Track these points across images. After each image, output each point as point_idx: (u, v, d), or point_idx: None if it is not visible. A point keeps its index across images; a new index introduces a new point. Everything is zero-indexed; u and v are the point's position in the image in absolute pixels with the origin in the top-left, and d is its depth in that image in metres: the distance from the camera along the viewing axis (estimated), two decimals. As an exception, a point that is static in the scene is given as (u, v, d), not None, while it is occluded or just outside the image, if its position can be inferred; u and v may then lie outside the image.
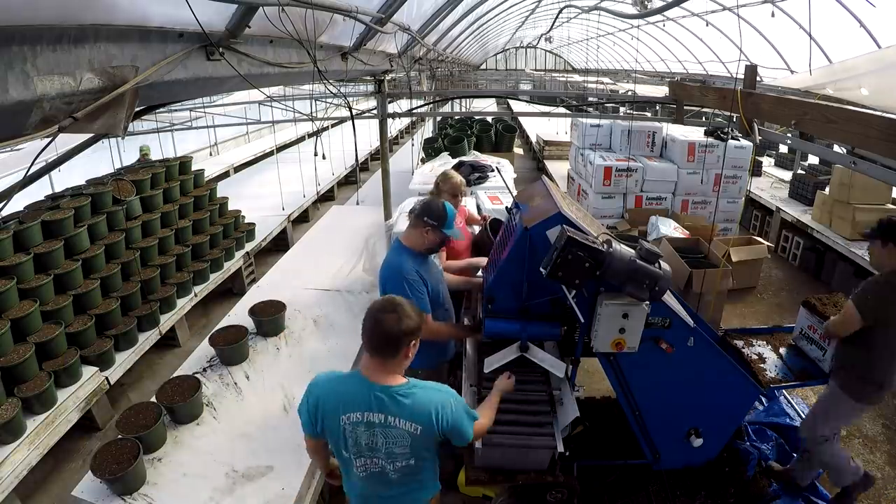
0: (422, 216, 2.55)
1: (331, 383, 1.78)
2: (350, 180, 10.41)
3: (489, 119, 10.26)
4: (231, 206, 6.27)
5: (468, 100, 12.21)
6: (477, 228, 4.01)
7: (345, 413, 1.70)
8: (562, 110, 8.53)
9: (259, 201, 7.21)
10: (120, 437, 2.59)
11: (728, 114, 3.77)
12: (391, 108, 5.93)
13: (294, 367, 3.37)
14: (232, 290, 5.76)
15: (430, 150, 8.14)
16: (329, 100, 6.13)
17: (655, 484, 3.02)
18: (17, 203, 4.41)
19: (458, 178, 3.38)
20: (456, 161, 6.25)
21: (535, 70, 29.10)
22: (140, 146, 6.10)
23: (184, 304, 4.78)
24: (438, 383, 1.83)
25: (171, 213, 5.18)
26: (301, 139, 12.51)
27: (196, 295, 4.96)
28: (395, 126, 14.82)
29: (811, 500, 2.90)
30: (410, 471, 1.79)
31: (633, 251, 2.14)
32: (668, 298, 2.38)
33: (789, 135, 3.61)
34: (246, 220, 6.29)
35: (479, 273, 3.23)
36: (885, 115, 2.38)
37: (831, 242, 5.66)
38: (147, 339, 4.24)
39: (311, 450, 1.96)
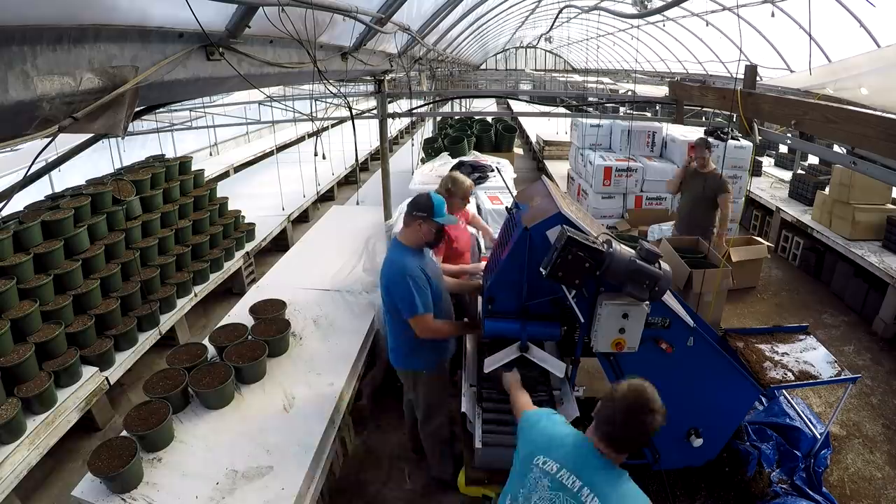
0: (411, 212, 2.59)
1: (557, 426, 1.69)
2: (350, 180, 10.41)
3: (489, 119, 10.25)
4: (231, 206, 6.27)
5: (468, 100, 12.20)
6: (478, 233, 4.01)
7: (544, 454, 1.58)
8: (562, 110, 8.53)
9: (259, 201, 7.20)
10: (121, 434, 2.60)
11: (728, 114, 3.77)
12: (391, 108, 5.93)
13: (294, 367, 3.37)
14: (232, 290, 5.76)
15: (430, 150, 8.14)
16: (329, 100, 6.12)
17: (655, 484, 3.02)
18: (17, 203, 4.41)
19: (469, 181, 3.41)
20: (456, 161, 6.25)
21: (535, 70, 29.10)
22: None
23: (184, 304, 4.78)
24: (642, 493, 1.54)
25: (171, 213, 5.18)
26: (301, 139, 12.50)
27: (196, 295, 4.96)
28: (395, 126, 14.81)
29: (812, 499, 2.90)
30: None
31: (633, 251, 2.14)
32: (668, 298, 2.38)
33: (789, 135, 3.61)
34: (246, 220, 6.29)
35: (478, 275, 3.23)
36: (885, 114, 2.38)
37: (831, 242, 5.66)
38: (147, 339, 4.24)
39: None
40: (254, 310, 3.79)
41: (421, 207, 2.57)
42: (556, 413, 1.80)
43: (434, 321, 2.60)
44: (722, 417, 2.64)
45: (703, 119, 5.98)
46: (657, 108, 10.65)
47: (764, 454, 3.05)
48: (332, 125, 8.82)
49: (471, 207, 4.36)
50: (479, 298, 2.88)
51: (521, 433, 1.71)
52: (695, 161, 4.84)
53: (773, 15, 6.74)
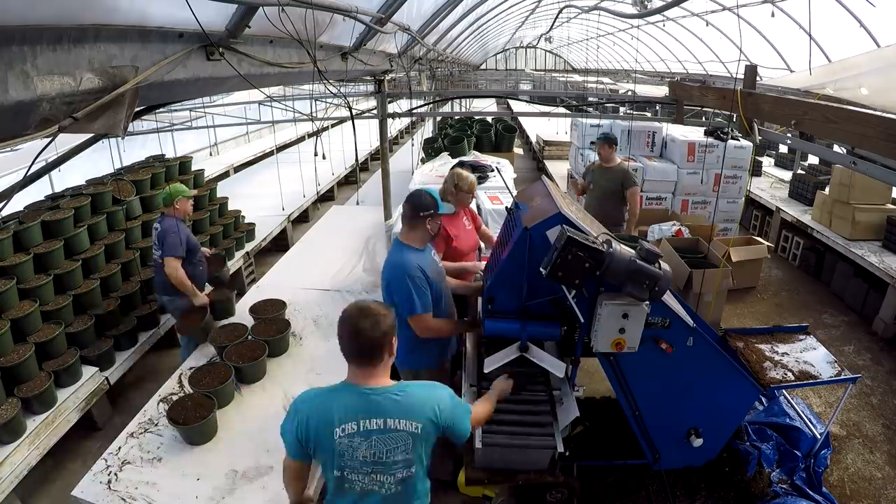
0: (418, 212, 2.59)
1: (320, 398, 1.70)
2: (350, 180, 10.41)
3: (489, 119, 10.24)
4: (231, 206, 6.27)
5: (468, 100, 12.19)
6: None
7: (340, 425, 1.62)
8: (562, 110, 8.53)
9: (259, 201, 7.20)
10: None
11: (728, 114, 3.77)
12: (391, 108, 5.93)
13: (294, 367, 3.37)
14: (232, 290, 5.76)
15: (430, 150, 8.13)
16: (329, 100, 6.12)
17: (655, 484, 3.02)
18: (17, 203, 4.41)
19: (473, 176, 3.46)
20: (456, 161, 6.25)
21: (535, 70, 29.10)
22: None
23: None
24: (429, 381, 1.83)
25: (171, 213, 5.17)
26: (301, 139, 12.50)
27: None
28: (395, 126, 14.81)
29: (812, 499, 2.90)
30: (408, 482, 1.71)
31: (633, 251, 2.14)
32: (668, 298, 2.38)
33: (789, 135, 3.61)
34: (246, 220, 6.29)
35: (479, 276, 3.23)
36: (885, 114, 2.38)
37: (831, 242, 5.66)
38: (147, 339, 4.24)
39: (290, 474, 1.82)
40: (254, 310, 3.79)
41: (426, 206, 2.59)
42: (313, 389, 1.80)
43: (433, 320, 2.60)
44: (722, 417, 2.64)
45: (703, 119, 5.98)
46: (657, 108, 10.64)
47: (764, 454, 3.05)
48: (332, 125, 8.81)
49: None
50: (479, 298, 2.88)
51: (307, 423, 1.67)
52: (599, 157, 5.11)
53: (773, 15, 6.74)
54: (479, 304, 2.83)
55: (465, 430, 1.79)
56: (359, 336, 1.66)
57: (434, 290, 2.60)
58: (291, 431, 1.69)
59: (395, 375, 3.23)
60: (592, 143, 7.29)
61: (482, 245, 3.95)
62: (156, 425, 2.85)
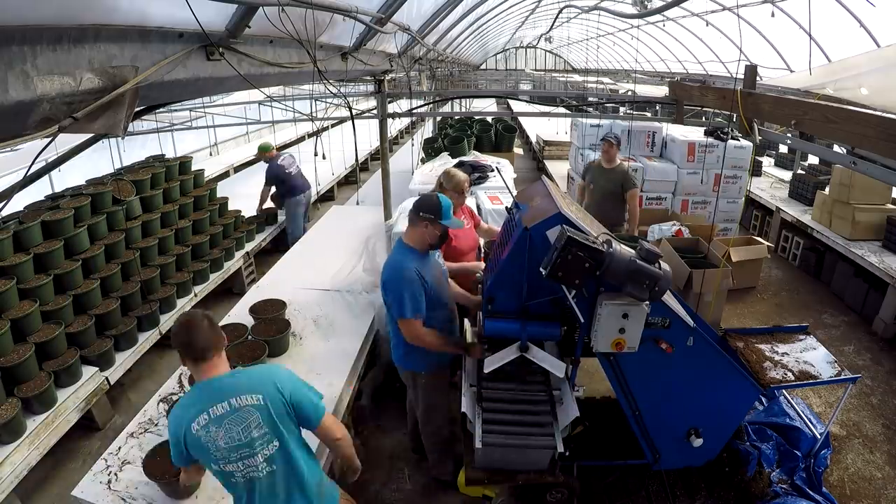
0: (418, 212, 2.56)
1: (180, 408, 1.82)
2: (350, 180, 10.40)
3: (489, 119, 10.24)
4: (231, 206, 6.27)
5: (468, 100, 12.19)
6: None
7: (194, 420, 1.73)
8: (562, 110, 8.52)
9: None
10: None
11: (728, 114, 3.77)
12: (391, 108, 5.93)
13: (294, 367, 3.35)
14: (232, 290, 5.76)
15: (430, 150, 8.13)
16: (329, 100, 6.12)
17: (655, 484, 3.02)
18: (17, 203, 4.41)
19: (462, 175, 3.35)
20: (456, 161, 6.25)
21: (535, 70, 29.10)
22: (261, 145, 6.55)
23: (184, 304, 4.78)
24: (265, 364, 1.92)
25: (171, 213, 5.18)
26: (301, 139, 12.50)
27: (196, 295, 4.96)
28: (395, 126, 14.81)
29: (812, 499, 2.90)
30: (283, 458, 1.81)
31: (633, 251, 2.14)
32: (668, 298, 2.38)
33: (789, 135, 3.61)
34: (246, 218, 6.32)
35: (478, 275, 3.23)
36: (884, 115, 2.38)
37: (831, 242, 5.66)
38: (147, 339, 4.24)
39: (189, 476, 1.99)
40: (254, 310, 3.78)
41: (428, 209, 2.54)
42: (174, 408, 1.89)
43: (421, 328, 2.56)
44: (722, 417, 2.64)
45: (703, 119, 5.97)
46: (657, 108, 10.64)
47: (764, 454, 3.05)
48: (332, 125, 8.82)
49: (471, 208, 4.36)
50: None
51: (175, 434, 1.80)
52: (602, 156, 5.10)
53: (773, 15, 6.74)
54: (479, 317, 2.81)
55: (316, 404, 1.88)
56: (193, 344, 1.76)
57: (431, 295, 2.58)
58: (172, 444, 1.83)
59: (393, 377, 3.25)
60: (594, 143, 7.32)
61: (481, 242, 3.95)
62: (156, 425, 2.84)
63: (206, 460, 1.80)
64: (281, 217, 6.82)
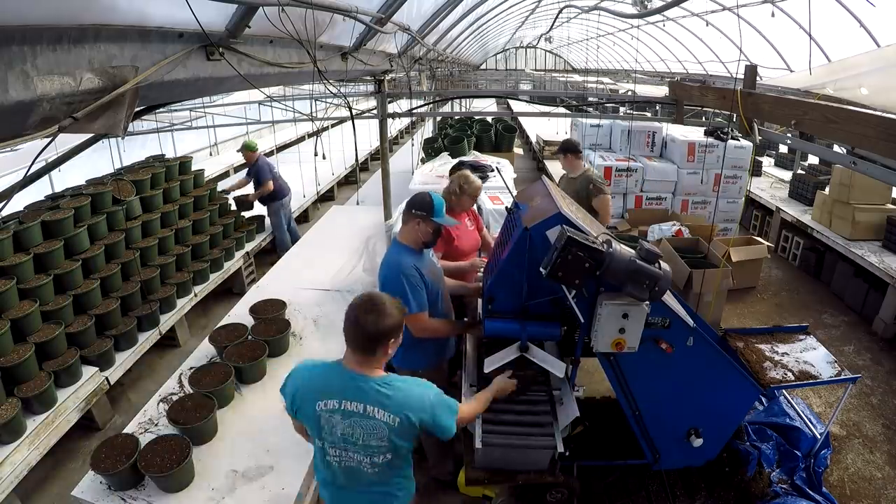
0: (410, 210, 2.58)
1: (310, 370, 1.82)
2: (350, 180, 10.40)
3: (489, 119, 10.23)
4: (231, 206, 6.27)
5: (468, 100, 12.19)
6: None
7: (321, 400, 1.73)
8: (562, 110, 8.52)
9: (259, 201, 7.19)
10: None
11: (728, 114, 3.77)
12: (391, 108, 5.92)
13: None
14: (232, 290, 5.76)
15: (430, 150, 8.13)
16: (329, 100, 6.12)
17: (655, 484, 3.02)
18: (17, 203, 4.41)
19: (479, 182, 3.44)
20: (456, 161, 6.24)
21: (535, 70, 29.10)
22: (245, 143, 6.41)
23: (184, 304, 4.78)
24: (417, 378, 1.85)
25: (171, 213, 5.18)
26: (301, 139, 12.50)
27: (196, 295, 4.96)
28: (395, 126, 14.81)
29: (812, 499, 2.90)
30: (386, 469, 1.79)
31: (633, 251, 2.14)
32: (668, 298, 2.38)
33: (789, 135, 3.61)
34: (247, 218, 6.32)
35: (478, 274, 3.23)
36: (885, 115, 2.38)
37: (831, 242, 5.66)
38: (147, 339, 4.24)
39: (298, 430, 2.02)
40: (254, 310, 3.79)
41: (420, 206, 2.56)
42: (310, 361, 1.91)
43: (428, 320, 2.59)
44: (722, 417, 2.64)
45: (703, 119, 5.98)
46: (657, 108, 10.63)
47: (764, 454, 3.05)
48: (332, 125, 8.82)
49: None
50: (479, 299, 2.88)
51: (295, 387, 1.82)
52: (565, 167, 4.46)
53: (773, 15, 6.75)
54: (479, 305, 2.83)
55: (448, 427, 1.81)
56: (358, 328, 1.71)
57: (430, 290, 2.59)
58: (287, 394, 1.84)
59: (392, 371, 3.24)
60: (595, 143, 7.33)
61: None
62: (156, 425, 2.85)
63: (313, 432, 1.81)
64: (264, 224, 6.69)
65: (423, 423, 1.75)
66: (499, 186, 5.29)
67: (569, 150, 4.33)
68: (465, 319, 3.00)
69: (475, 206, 4.78)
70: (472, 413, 2.10)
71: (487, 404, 2.24)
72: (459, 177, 3.40)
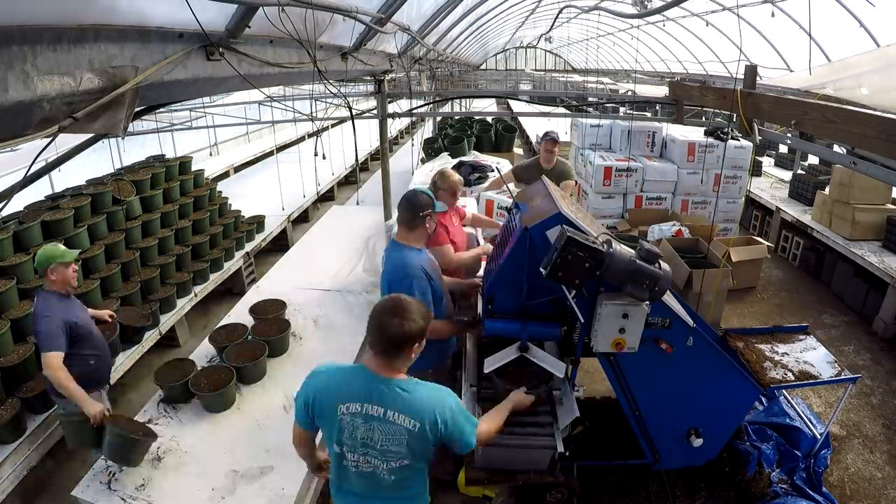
0: (417, 212, 2.57)
1: (332, 373, 1.78)
2: (350, 180, 10.40)
3: (489, 119, 10.23)
4: (231, 206, 6.27)
5: (468, 100, 12.19)
6: (478, 232, 4.01)
7: (343, 403, 1.70)
8: (562, 110, 8.53)
9: (259, 201, 7.20)
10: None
11: (728, 114, 3.77)
12: (391, 108, 5.93)
13: (294, 367, 3.37)
14: (232, 290, 5.76)
15: (430, 150, 8.13)
16: (329, 100, 6.12)
17: (655, 484, 3.02)
18: (17, 203, 4.41)
19: (457, 176, 3.39)
20: (456, 161, 6.25)
21: (535, 70, 29.10)
22: None
23: (184, 304, 4.78)
24: (438, 385, 1.82)
25: (171, 213, 5.18)
26: (301, 139, 12.49)
27: (196, 295, 4.96)
28: (395, 126, 14.80)
29: (812, 499, 2.90)
30: (402, 475, 1.76)
31: (633, 251, 2.14)
32: (668, 298, 2.38)
33: (789, 135, 3.61)
34: (252, 215, 6.32)
35: (479, 273, 3.23)
36: (884, 115, 2.38)
37: (831, 242, 5.66)
38: (147, 339, 4.24)
39: (297, 439, 1.96)
40: (254, 310, 3.78)
41: (425, 205, 2.58)
42: (331, 364, 1.86)
43: (433, 322, 2.60)
44: (722, 417, 2.64)
45: (703, 119, 5.98)
46: (657, 108, 10.64)
47: (764, 454, 3.05)
48: (332, 125, 8.80)
49: (470, 209, 4.36)
50: (479, 299, 2.88)
51: (315, 392, 1.76)
52: (543, 155, 4.77)
53: (773, 15, 6.75)
54: (479, 304, 2.83)
55: (467, 443, 1.78)
56: (383, 331, 1.68)
57: (435, 289, 2.60)
58: (300, 397, 1.78)
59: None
60: (595, 143, 7.34)
61: (480, 241, 3.95)
62: (156, 425, 2.85)
63: (329, 436, 1.76)
64: None
65: (442, 429, 1.71)
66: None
67: (552, 139, 4.74)
68: (465, 319, 3.00)
69: (474, 206, 4.79)
70: (491, 431, 2.03)
71: (504, 420, 2.17)
72: (436, 174, 3.40)
